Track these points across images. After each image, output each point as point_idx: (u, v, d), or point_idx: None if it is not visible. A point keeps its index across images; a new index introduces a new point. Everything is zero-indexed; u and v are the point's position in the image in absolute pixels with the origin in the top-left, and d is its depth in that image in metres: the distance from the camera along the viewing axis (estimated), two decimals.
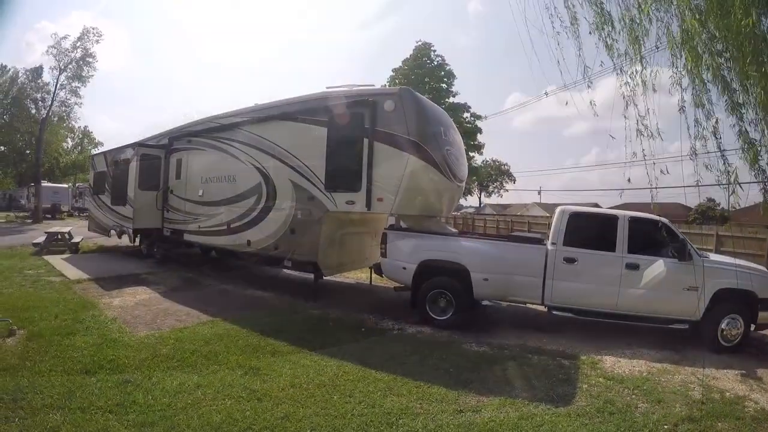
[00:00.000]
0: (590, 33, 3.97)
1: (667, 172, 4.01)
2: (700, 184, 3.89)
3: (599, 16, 3.83)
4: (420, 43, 31.68)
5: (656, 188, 4.00)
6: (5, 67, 31.64)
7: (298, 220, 8.33)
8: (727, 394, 4.89)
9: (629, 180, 3.95)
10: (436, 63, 31.46)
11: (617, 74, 3.97)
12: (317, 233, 8.02)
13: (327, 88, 8.30)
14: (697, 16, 3.42)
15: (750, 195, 3.91)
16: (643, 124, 3.89)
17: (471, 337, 6.46)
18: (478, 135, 32.39)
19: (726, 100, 3.66)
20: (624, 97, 3.88)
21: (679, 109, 3.70)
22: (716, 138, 3.75)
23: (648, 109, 3.86)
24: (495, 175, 63.47)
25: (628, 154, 3.88)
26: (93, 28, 29.43)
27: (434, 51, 31.54)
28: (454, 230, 9.30)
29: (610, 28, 3.90)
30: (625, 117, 3.88)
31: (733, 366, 5.72)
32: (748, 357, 6.14)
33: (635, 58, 3.80)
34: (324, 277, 8.63)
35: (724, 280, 6.20)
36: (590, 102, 4.00)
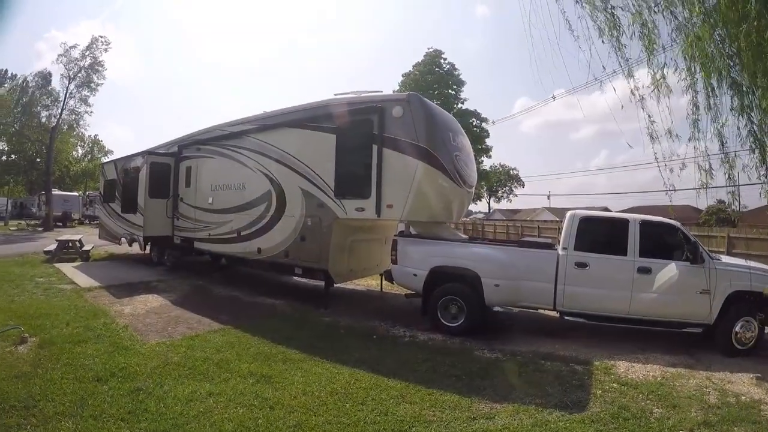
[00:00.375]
0: (599, 37, 3.96)
1: (670, 172, 3.97)
2: (709, 186, 3.87)
3: (610, 21, 3.82)
4: (431, 50, 31.92)
5: (671, 191, 3.97)
6: (15, 75, 32.15)
7: (308, 227, 8.33)
8: (743, 398, 4.82)
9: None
10: (445, 69, 31.61)
11: (628, 77, 3.96)
12: (327, 240, 8.03)
13: (335, 94, 8.34)
14: (706, 15, 3.41)
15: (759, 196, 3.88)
16: (654, 128, 3.87)
17: (483, 344, 6.42)
18: (486, 139, 32.45)
19: (736, 103, 3.64)
20: (637, 98, 3.87)
21: (693, 122, 3.69)
22: (723, 141, 3.74)
23: (661, 110, 3.85)
24: (504, 179, 63.38)
25: (646, 154, 3.88)
26: (101, 37, 29.88)
27: (444, 59, 31.72)
28: (464, 236, 9.27)
29: (618, 33, 3.89)
30: (649, 116, 3.87)
31: (748, 369, 5.64)
32: (763, 360, 6.04)
33: (648, 60, 3.79)
34: (335, 285, 8.62)
35: (737, 282, 6.13)
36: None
